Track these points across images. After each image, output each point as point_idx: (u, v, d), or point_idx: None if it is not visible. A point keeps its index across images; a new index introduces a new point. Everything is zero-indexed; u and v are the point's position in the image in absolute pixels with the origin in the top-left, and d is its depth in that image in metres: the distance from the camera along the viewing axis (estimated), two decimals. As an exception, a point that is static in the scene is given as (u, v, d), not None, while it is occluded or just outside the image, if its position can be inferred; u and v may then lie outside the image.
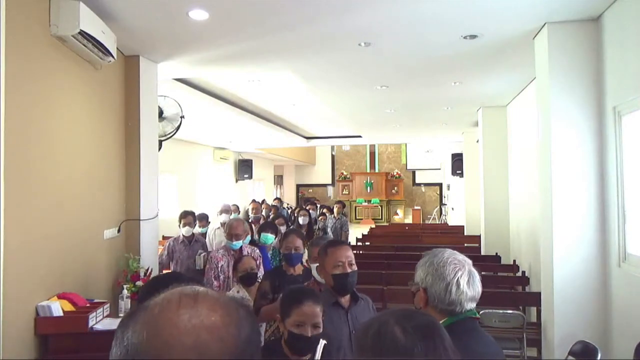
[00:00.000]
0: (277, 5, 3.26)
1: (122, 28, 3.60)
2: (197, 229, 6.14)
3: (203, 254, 4.98)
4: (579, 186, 3.56)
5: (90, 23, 3.12)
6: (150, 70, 4.51)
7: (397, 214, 21.12)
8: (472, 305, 1.49)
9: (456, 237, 10.19)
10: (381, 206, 20.80)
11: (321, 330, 1.90)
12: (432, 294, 1.49)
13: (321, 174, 22.67)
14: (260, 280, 3.33)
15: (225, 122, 8.69)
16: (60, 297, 3.05)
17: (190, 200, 10.36)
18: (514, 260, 6.59)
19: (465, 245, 9.19)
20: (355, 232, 11.30)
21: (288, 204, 15.56)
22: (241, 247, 4.00)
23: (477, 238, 8.58)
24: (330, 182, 22.87)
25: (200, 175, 11.74)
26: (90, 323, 3.00)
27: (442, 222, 17.54)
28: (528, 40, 3.98)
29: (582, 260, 3.54)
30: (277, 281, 2.97)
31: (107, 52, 3.42)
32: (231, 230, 3.95)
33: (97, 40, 3.24)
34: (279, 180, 21.37)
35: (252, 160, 14.32)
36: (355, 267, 2.33)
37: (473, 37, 3.96)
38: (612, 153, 3.36)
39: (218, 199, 11.78)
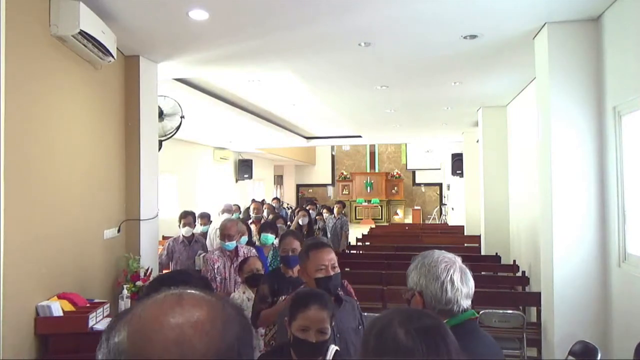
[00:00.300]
0: (277, 5, 3.26)
1: (122, 28, 3.60)
2: (199, 227, 6.13)
3: (203, 255, 4.96)
4: (579, 186, 3.56)
5: (90, 23, 3.12)
6: (150, 70, 4.51)
7: (397, 214, 21.11)
8: (467, 303, 1.49)
9: (456, 237, 10.19)
10: (381, 206, 20.80)
11: (328, 336, 1.84)
12: (428, 295, 1.48)
13: (321, 174, 22.66)
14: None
15: (225, 122, 8.69)
16: (60, 297, 3.05)
17: (190, 200, 10.36)
18: (514, 260, 6.59)
19: (465, 245, 9.20)
20: (355, 232, 11.30)
21: (288, 204, 15.55)
22: (236, 247, 3.94)
23: (477, 238, 8.58)
24: (330, 182, 22.87)
25: (200, 175, 11.74)
26: (90, 323, 3.00)
27: (442, 222, 17.54)
28: (528, 40, 3.98)
29: (582, 260, 3.54)
30: (275, 284, 2.91)
31: (107, 52, 3.42)
32: (224, 231, 3.88)
33: (97, 40, 3.24)
34: (279, 180, 21.36)
35: (252, 160, 14.32)
36: (337, 270, 2.28)
37: (473, 37, 3.96)
38: (612, 153, 3.36)
39: (218, 199, 11.78)
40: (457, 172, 10.93)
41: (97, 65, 3.64)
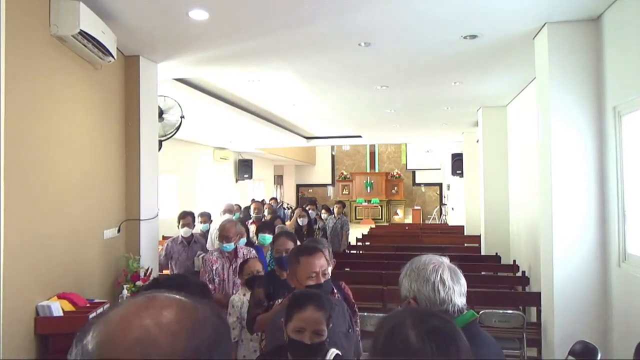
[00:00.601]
0: (277, 5, 3.26)
1: (122, 28, 3.60)
2: (199, 226, 6.13)
3: (202, 255, 4.94)
4: (579, 186, 3.56)
5: (90, 23, 3.12)
6: (150, 70, 4.51)
7: (397, 214, 21.12)
8: (462, 301, 1.48)
9: (456, 237, 10.20)
10: (381, 206, 20.80)
11: (324, 337, 1.81)
12: (422, 300, 1.48)
13: (321, 174, 22.66)
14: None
15: (225, 122, 8.69)
16: (60, 297, 3.05)
17: (190, 200, 10.36)
18: (514, 260, 6.58)
19: (465, 245, 9.21)
20: (355, 232, 11.30)
21: (288, 204, 15.55)
22: (236, 248, 3.90)
23: (477, 238, 8.58)
24: (330, 182, 22.87)
25: (200, 175, 11.74)
26: (90, 323, 2.99)
27: (442, 222, 17.54)
28: (528, 40, 3.98)
29: (582, 260, 3.54)
30: (271, 287, 2.80)
31: (107, 52, 3.42)
32: (222, 232, 3.84)
33: (97, 40, 3.24)
34: (279, 180, 21.37)
35: (252, 160, 14.33)
36: (328, 275, 2.21)
37: (473, 37, 3.96)
38: (612, 153, 3.36)
39: (218, 199, 11.79)
40: (457, 172, 10.94)
41: (97, 65, 3.64)
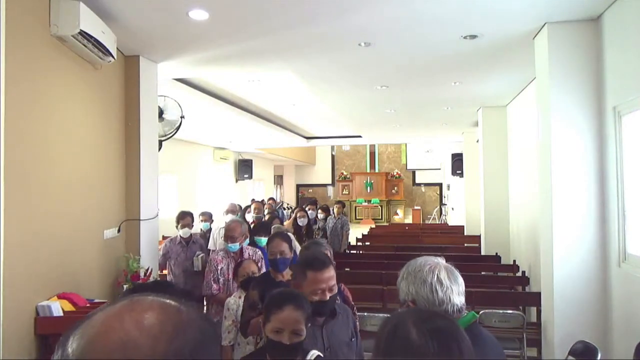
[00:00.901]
0: (277, 5, 3.26)
1: (122, 28, 3.60)
2: (200, 225, 6.11)
3: (201, 255, 4.93)
4: (579, 186, 3.56)
5: (90, 23, 3.12)
6: (150, 70, 4.51)
7: (397, 214, 21.12)
8: (461, 300, 1.48)
9: (456, 237, 10.20)
10: (381, 206, 20.80)
11: (303, 337, 1.78)
12: (420, 301, 1.48)
13: (321, 174, 22.67)
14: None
15: (225, 122, 8.69)
16: (60, 297, 3.05)
17: (190, 200, 10.36)
18: (514, 260, 6.58)
19: (465, 245, 9.20)
20: (355, 232, 11.30)
21: (288, 204, 15.55)
22: (242, 249, 3.88)
23: (477, 238, 8.58)
24: (330, 182, 22.88)
25: (200, 175, 11.74)
26: (90, 323, 2.99)
27: (442, 222, 17.55)
28: (528, 40, 3.98)
29: (582, 260, 3.54)
30: (265, 290, 2.67)
31: (107, 52, 3.42)
32: (227, 232, 3.82)
33: (97, 40, 3.24)
34: (279, 180, 21.37)
35: (252, 160, 14.33)
36: (335, 290, 2.11)
37: (473, 37, 3.96)
38: (612, 153, 3.36)
39: (218, 199, 11.79)
40: (457, 172, 10.94)
41: (97, 65, 3.64)
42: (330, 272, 2.09)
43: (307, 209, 7.57)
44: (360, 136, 11.84)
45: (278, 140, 12.01)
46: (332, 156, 23.07)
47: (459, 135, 10.95)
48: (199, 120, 8.03)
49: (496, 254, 7.16)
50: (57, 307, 2.93)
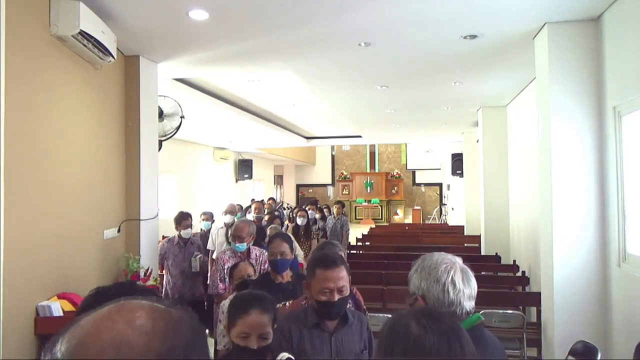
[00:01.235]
0: (277, 5, 3.26)
1: (122, 28, 3.60)
2: (200, 224, 6.10)
3: (199, 256, 4.91)
4: (579, 186, 3.56)
5: (90, 23, 3.12)
6: (150, 70, 4.51)
7: (397, 214, 21.12)
8: (471, 305, 1.47)
9: (456, 237, 10.20)
10: (381, 206, 20.80)
11: (270, 341, 1.73)
12: (430, 299, 1.46)
13: (321, 174, 22.67)
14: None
15: (225, 122, 8.69)
16: (60, 297, 3.05)
17: (190, 200, 10.37)
18: (514, 260, 6.59)
19: (465, 245, 9.20)
20: (355, 232, 11.31)
21: (288, 204, 15.55)
22: (249, 249, 3.85)
23: (477, 238, 8.58)
24: (330, 182, 22.88)
25: (200, 175, 11.74)
26: (90, 323, 2.99)
27: (442, 222, 17.55)
28: (528, 40, 3.98)
29: (582, 260, 3.54)
30: (264, 291, 2.72)
31: (107, 52, 3.42)
32: (235, 232, 3.79)
33: (97, 40, 3.24)
34: (279, 180, 21.37)
35: (252, 160, 14.33)
36: (345, 292, 1.98)
37: (473, 37, 3.96)
38: (612, 153, 3.36)
39: (218, 199, 11.80)
40: (457, 172, 10.94)
41: (97, 65, 3.64)
42: (341, 273, 1.98)
43: (307, 209, 7.57)
44: (360, 136, 11.84)
45: (278, 140, 12.01)
46: (332, 156, 23.08)
47: (459, 135, 10.95)
48: (199, 120, 8.03)
49: (496, 254, 7.16)
50: (57, 307, 2.92)
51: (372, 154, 22.90)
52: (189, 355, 0.62)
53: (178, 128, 4.99)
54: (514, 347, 4.15)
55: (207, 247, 5.55)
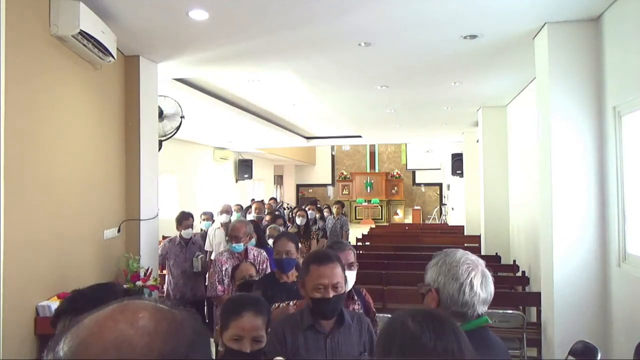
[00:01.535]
0: (277, 5, 3.26)
1: (122, 28, 3.60)
2: (201, 224, 6.10)
3: (201, 256, 4.91)
4: (579, 186, 3.56)
5: (90, 23, 3.12)
6: (150, 70, 4.51)
7: (397, 214, 21.12)
8: (483, 309, 1.45)
9: (456, 237, 10.19)
10: (381, 206, 20.80)
11: (263, 345, 1.69)
12: (444, 294, 1.45)
13: (321, 174, 22.67)
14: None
15: (225, 122, 8.69)
16: (60, 297, 3.05)
17: (190, 200, 10.36)
18: (514, 260, 6.59)
19: (465, 245, 9.18)
20: (355, 232, 11.30)
21: (288, 204, 15.55)
22: (246, 249, 3.79)
23: (477, 238, 8.58)
24: (330, 182, 22.88)
25: (200, 175, 11.74)
26: (90, 323, 2.99)
27: (442, 222, 17.55)
28: (528, 40, 3.98)
29: (582, 260, 3.54)
30: (269, 290, 2.60)
31: (107, 52, 3.42)
32: (231, 232, 3.73)
33: (97, 40, 3.24)
34: (279, 180, 21.37)
35: (252, 160, 14.33)
36: (341, 289, 1.92)
37: (473, 37, 3.96)
38: (612, 153, 3.36)
39: (218, 199, 11.79)
40: (457, 172, 10.94)
41: (97, 65, 3.64)
42: (336, 269, 1.94)
43: (307, 209, 7.57)
44: (360, 136, 11.84)
45: (278, 140, 12.01)
46: (332, 156, 23.07)
47: (459, 135, 10.95)
48: (199, 120, 8.03)
49: (496, 254, 7.16)
50: (57, 307, 2.93)
51: (372, 154, 22.90)
52: (190, 357, 0.61)
53: (178, 128, 4.99)
54: (514, 347, 4.15)
55: (205, 249, 5.54)
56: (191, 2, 3.18)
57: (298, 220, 6.89)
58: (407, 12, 3.44)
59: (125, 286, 3.82)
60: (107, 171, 3.93)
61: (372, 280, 5.73)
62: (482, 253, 7.79)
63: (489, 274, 1.50)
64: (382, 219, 20.37)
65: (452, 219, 15.11)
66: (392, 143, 21.26)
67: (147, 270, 4.04)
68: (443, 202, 19.25)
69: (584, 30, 3.55)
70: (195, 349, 0.63)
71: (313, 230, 7.31)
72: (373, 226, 14.47)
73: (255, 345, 1.67)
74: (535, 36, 3.89)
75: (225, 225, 5.74)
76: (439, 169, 18.48)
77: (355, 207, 20.91)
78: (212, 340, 3.34)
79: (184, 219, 4.97)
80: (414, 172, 22.06)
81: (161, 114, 4.85)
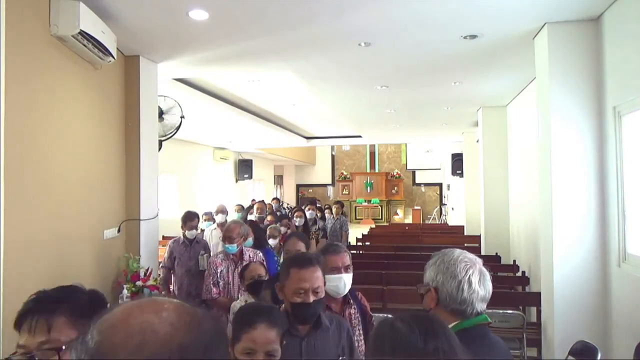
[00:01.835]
0: (277, 5, 3.26)
1: (122, 28, 3.60)
2: (203, 224, 6.09)
3: (205, 255, 4.93)
4: (579, 186, 3.56)
5: (90, 23, 3.12)
6: (150, 70, 4.51)
7: (397, 214, 21.12)
8: (482, 307, 1.46)
9: (456, 237, 10.19)
10: (381, 206, 20.80)
11: (278, 358, 1.58)
12: (443, 293, 1.47)
13: (321, 174, 22.67)
14: None
15: (225, 122, 8.69)
16: (60, 297, 3.05)
17: (190, 200, 10.36)
18: (514, 260, 6.59)
19: (465, 245, 9.18)
20: (355, 232, 11.30)
21: (288, 204, 15.55)
22: (241, 251, 3.76)
23: (477, 238, 8.58)
24: (330, 182, 22.88)
25: (200, 175, 11.75)
26: (90, 323, 2.99)
27: (442, 222, 17.55)
28: (528, 40, 3.98)
29: (582, 260, 3.54)
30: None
31: (107, 52, 3.42)
32: (225, 233, 3.72)
33: (97, 40, 3.24)
34: (279, 180, 21.37)
35: (252, 160, 14.33)
36: (321, 294, 1.88)
37: (473, 37, 3.96)
38: (612, 153, 3.36)
39: (218, 199, 11.78)
40: (457, 172, 10.94)
41: (97, 65, 3.64)
42: (316, 272, 1.89)
43: (306, 209, 7.56)
44: (360, 136, 11.84)
45: (278, 140, 12.01)
46: (332, 156, 23.08)
47: (459, 135, 10.95)
48: (199, 120, 8.03)
49: (496, 254, 7.16)
50: (57, 307, 2.92)
51: (372, 154, 22.90)
52: (209, 351, 0.65)
53: (178, 128, 4.99)
54: (514, 347, 4.15)
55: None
56: (191, 2, 3.18)
57: (296, 221, 6.89)
58: (407, 12, 3.44)
59: (125, 286, 3.83)
60: (107, 171, 3.93)
61: (372, 280, 5.73)
62: (482, 253, 7.79)
63: (486, 272, 1.51)
64: (382, 219, 20.38)
65: (452, 219, 15.11)
66: (392, 143, 21.26)
67: (147, 270, 4.05)
68: (443, 202, 19.25)
69: (584, 30, 3.55)
70: (213, 346, 0.66)
71: (313, 230, 7.30)
72: (373, 226, 14.47)
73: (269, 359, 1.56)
74: (535, 36, 3.89)
75: (221, 226, 5.74)
76: (439, 169, 18.48)
77: (355, 207, 20.91)
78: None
79: (189, 219, 4.98)
80: (414, 172, 22.06)
81: (161, 114, 4.85)
